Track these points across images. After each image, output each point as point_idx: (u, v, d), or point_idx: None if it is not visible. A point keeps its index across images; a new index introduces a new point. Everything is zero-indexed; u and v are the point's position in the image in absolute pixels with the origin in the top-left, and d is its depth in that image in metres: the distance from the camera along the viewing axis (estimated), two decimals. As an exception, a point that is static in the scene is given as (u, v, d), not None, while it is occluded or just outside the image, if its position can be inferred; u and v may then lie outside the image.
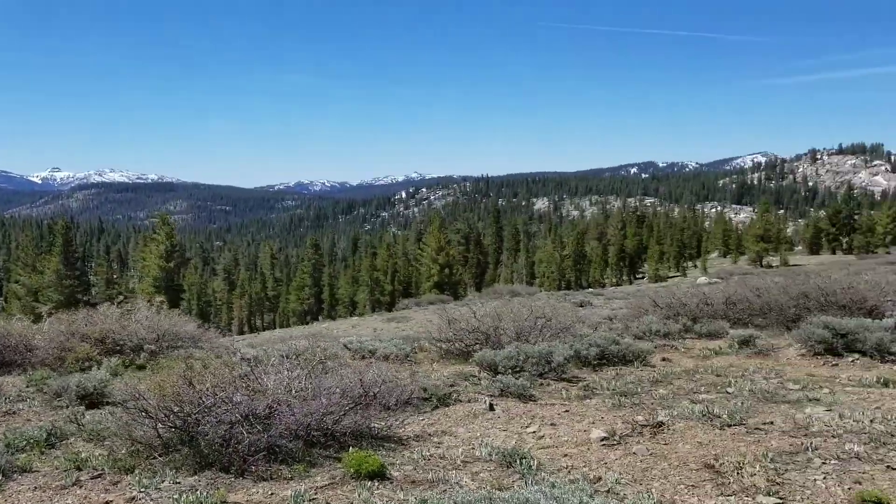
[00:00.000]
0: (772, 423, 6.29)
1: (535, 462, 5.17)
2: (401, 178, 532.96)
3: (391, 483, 4.78)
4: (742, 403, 6.88)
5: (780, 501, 4.41)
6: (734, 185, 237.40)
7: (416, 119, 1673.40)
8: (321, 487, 4.72)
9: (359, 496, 4.52)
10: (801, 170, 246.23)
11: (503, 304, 12.01)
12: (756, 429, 6.08)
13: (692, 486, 4.75)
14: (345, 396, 5.81)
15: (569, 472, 5.06)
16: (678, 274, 79.60)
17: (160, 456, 5.21)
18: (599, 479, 4.88)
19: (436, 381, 7.92)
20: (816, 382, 8.14)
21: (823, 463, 5.12)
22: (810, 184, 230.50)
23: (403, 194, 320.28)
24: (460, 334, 9.87)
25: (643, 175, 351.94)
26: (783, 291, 13.27)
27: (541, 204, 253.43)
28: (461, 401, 7.23)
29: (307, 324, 46.61)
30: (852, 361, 9.46)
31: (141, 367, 10.01)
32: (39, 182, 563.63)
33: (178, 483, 4.76)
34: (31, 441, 5.76)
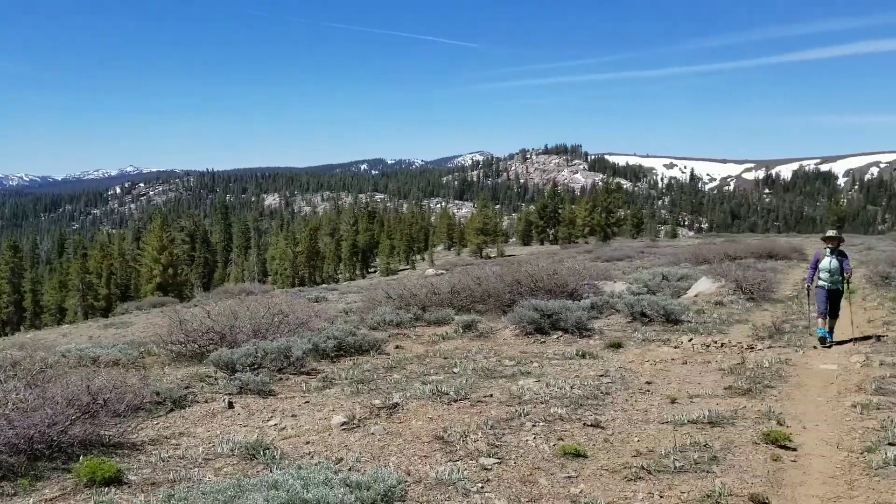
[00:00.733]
0: (491, 395, 7.07)
1: (279, 452, 5.25)
2: (114, 172, 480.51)
3: (130, 487, 4.58)
4: (466, 381, 7.61)
5: (499, 461, 5.07)
6: (456, 182, 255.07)
7: (132, 109, 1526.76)
8: (51, 499, 4.39)
9: (96, 503, 4.28)
10: (513, 168, 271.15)
11: (238, 302, 11.66)
12: (478, 402, 6.79)
13: (424, 456, 5.23)
14: (71, 405, 5.43)
15: (312, 457, 5.21)
16: (408, 267, 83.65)
17: None
18: (341, 459, 5.13)
19: (169, 384, 7.56)
20: (528, 358, 9.26)
21: (533, 426, 5.93)
22: (522, 181, 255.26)
23: (118, 189, 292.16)
24: (193, 335, 9.40)
25: (373, 171, 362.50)
26: (499, 279, 14.73)
27: (271, 200, 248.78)
28: (198, 401, 7.00)
29: (6, 335, 40.34)
30: (557, 338, 10.89)
31: None
32: None
33: None
34: None
